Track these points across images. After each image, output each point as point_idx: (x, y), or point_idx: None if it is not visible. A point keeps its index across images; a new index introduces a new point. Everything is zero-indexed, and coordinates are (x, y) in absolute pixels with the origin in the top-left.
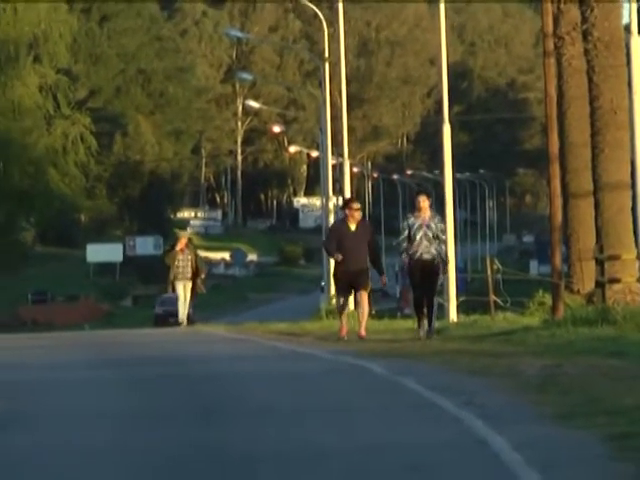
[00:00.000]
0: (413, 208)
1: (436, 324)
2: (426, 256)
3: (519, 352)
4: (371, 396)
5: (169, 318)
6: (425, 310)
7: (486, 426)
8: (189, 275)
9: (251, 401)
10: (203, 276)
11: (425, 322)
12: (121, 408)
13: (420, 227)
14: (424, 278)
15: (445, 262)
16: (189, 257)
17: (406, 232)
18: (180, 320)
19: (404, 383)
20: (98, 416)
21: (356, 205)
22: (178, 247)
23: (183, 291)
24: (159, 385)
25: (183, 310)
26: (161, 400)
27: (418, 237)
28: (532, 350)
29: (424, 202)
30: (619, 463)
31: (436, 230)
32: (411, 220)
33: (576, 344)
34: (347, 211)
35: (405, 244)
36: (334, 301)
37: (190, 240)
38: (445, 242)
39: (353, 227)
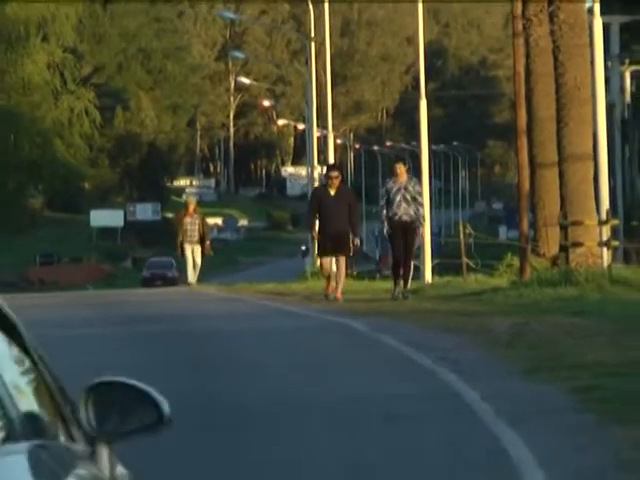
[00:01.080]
0: (392, 174)
1: (412, 285)
2: (405, 217)
3: (489, 311)
4: (352, 351)
5: (156, 281)
6: (402, 271)
7: (459, 379)
8: (196, 239)
9: (243, 356)
10: (208, 241)
11: (401, 283)
12: (121, 361)
13: (398, 190)
14: (403, 238)
15: (422, 222)
16: (197, 221)
17: (385, 197)
18: (189, 282)
19: (383, 339)
20: (98, 370)
21: (334, 173)
22: (188, 211)
23: (191, 254)
24: (157, 340)
25: (192, 272)
26: (159, 354)
27: (397, 199)
28: (501, 309)
29: (400, 168)
30: (582, 414)
31: (413, 192)
32: (389, 185)
33: (542, 304)
34: (329, 177)
35: (384, 210)
36: (318, 263)
37: (197, 206)
38: (422, 204)
39: (333, 192)
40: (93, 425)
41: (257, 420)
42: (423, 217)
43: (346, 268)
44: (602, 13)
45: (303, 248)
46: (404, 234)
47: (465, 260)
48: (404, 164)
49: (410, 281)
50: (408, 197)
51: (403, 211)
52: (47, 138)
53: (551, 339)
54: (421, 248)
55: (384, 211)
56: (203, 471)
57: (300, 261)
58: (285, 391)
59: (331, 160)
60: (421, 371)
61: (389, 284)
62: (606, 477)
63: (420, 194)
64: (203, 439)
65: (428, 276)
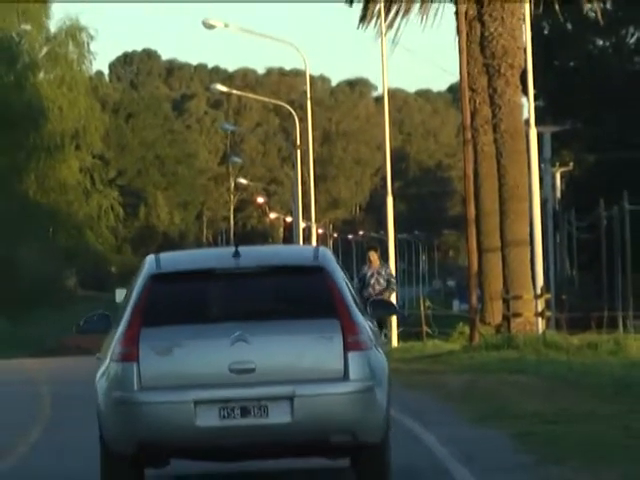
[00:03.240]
0: (366, 261)
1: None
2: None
3: (444, 370)
4: None
5: None
6: None
7: (420, 426)
8: None
9: None
10: None
11: None
12: None
13: (372, 275)
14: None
15: (392, 291)
16: None
17: (361, 281)
18: None
19: None
20: None
21: (373, 253)
22: None
23: None
24: None
25: None
26: None
27: (371, 282)
28: (454, 369)
29: (373, 256)
30: (523, 454)
31: (385, 275)
32: (365, 270)
33: (488, 364)
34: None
35: (360, 291)
36: None
37: None
38: (394, 283)
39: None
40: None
41: None
42: (394, 290)
43: None
44: (536, 124)
45: None
46: None
47: (425, 328)
48: (376, 251)
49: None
50: (381, 280)
51: (376, 292)
52: (80, 230)
53: (496, 393)
54: (388, 319)
55: (360, 292)
56: None
57: None
58: None
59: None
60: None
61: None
62: None
63: (392, 276)
64: None
65: (395, 341)
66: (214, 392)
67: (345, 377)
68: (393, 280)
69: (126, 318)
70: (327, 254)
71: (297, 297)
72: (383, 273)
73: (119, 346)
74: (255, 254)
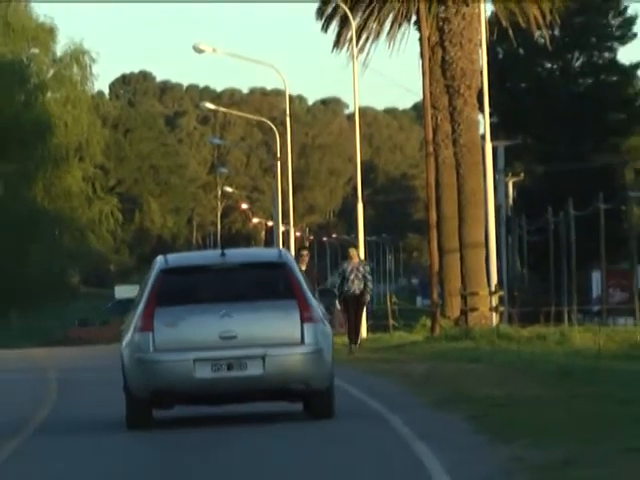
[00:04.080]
0: (347, 258)
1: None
2: (357, 291)
3: (409, 359)
4: None
5: None
6: (353, 333)
7: (384, 408)
8: None
9: None
10: None
11: (352, 341)
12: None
13: (352, 270)
14: (354, 307)
15: (369, 293)
16: None
17: (341, 275)
18: None
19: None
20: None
21: (305, 252)
22: None
23: None
24: None
25: None
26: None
27: (351, 277)
28: (417, 357)
29: (353, 252)
30: (477, 435)
31: (364, 272)
32: (345, 266)
33: (447, 353)
34: (300, 256)
35: (338, 283)
36: None
37: None
38: (370, 280)
39: (303, 266)
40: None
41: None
42: (371, 289)
43: None
44: (491, 139)
45: None
46: (355, 303)
47: (391, 321)
48: (356, 248)
49: (359, 340)
50: (360, 275)
51: (355, 286)
52: (83, 233)
53: (454, 380)
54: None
55: (338, 283)
56: None
57: None
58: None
59: (292, 249)
60: (357, 402)
61: (342, 339)
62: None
63: (369, 272)
64: None
65: (364, 333)
66: (208, 353)
67: (302, 342)
68: (369, 277)
69: (144, 301)
70: (288, 254)
71: (266, 284)
72: (361, 269)
73: (140, 321)
74: (236, 254)
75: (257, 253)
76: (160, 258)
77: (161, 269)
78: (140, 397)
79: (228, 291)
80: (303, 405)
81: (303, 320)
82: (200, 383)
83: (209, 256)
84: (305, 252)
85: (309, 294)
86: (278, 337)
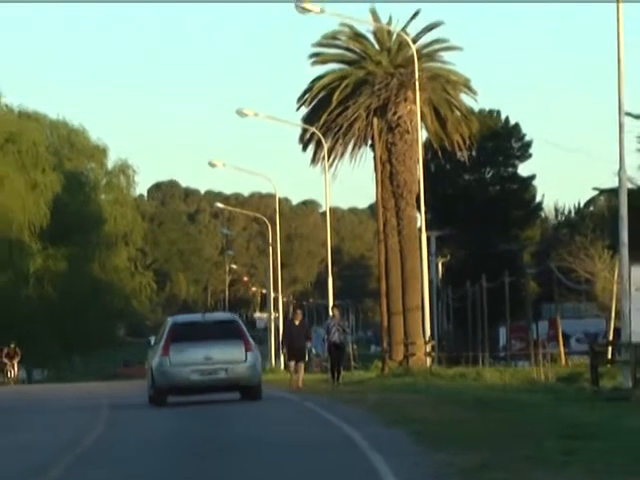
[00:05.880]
0: (331, 315)
1: (324, 377)
2: (337, 341)
3: (365, 390)
4: (285, 409)
5: None
6: (335, 371)
7: (348, 427)
8: None
9: (229, 413)
10: None
11: (336, 378)
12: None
13: (334, 325)
14: (335, 353)
15: (348, 342)
16: None
17: (326, 328)
18: None
19: (306, 404)
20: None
21: (299, 312)
22: None
23: None
24: (196, 410)
25: None
26: (196, 421)
27: (333, 331)
28: (372, 389)
29: (335, 311)
30: (417, 445)
31: (343, 326)
32: (329, 321)
33: (394, 386)
34: (294, 315)
35: (325, 335)
36: (285, 364)
37: None
38: (348, 332)
39: (297, 322)
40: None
41: (240, 441)
42: (349, 337)
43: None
44: (426, 230)
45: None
46: (336, 350)
47: (353, 363)
48: (337, 308)
49: (340, 376)
50: (340, 329)
51: (337, 338)
52: (128, 298)
53: (400, 406)
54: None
55: (325, 336)
56: None
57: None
58: (251, 431)
59: (280, 310)
60: (325, 421)
61: (320, 376)
62: None
63: (347, 327)
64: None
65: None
66: (197, 367)
67: (245, 361)
68: (348, 330)
69: (164, 340)
70: (236, 316)
71: (226, 331)
72: (341, 324)
73: (161, 350)
74: (210, 316)
75: (221, 315)
76: (170, 318)
77: (173, 322)
78: (162, 389)
79: (206, 335)
80: (240, 395)
81: (246, 350)
82: (193, 382)
83: (196, 317)
84: (299, 311)
85: (249, 336)
86: (233, 358)
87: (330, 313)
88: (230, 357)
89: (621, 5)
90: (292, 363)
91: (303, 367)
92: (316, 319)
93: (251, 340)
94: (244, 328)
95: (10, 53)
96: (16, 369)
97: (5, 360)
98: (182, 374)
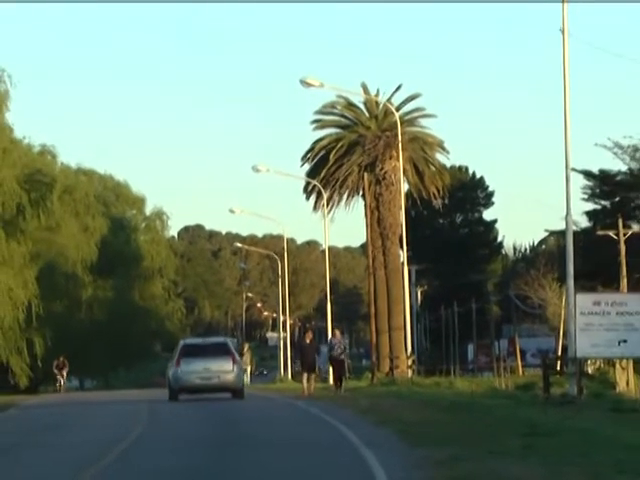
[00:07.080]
0: (333, 335)
1: (321, 385)
2: (340, 357)
3: (358, 396)
4: (292, 413)
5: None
6: (338, 381)
7: (344, 427)
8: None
9: (244, 415)
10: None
11: (340, 387)
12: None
13: (337, 344)
14: (338, 366)
15: (347, 358)
16: (247, 359)
17: (330, 347)
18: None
19: (309, 409)
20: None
21: (310, 332)
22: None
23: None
24: (215, 419)
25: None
26: (211, 420)
27: (335, 347)
28: (364, 395)
29: (336, 332)
30: (402, 442)
31: (343, 344)
32: (332, 341)
33: (382, 393)
34: (305, 334)
35: (327, 351)
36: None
37: (250, 347)
38: (347, 349)
39: (308, 341)
40: None
41: (239, 448)
42: (348, 355)
43: (315, 380)
44: (408, 264)
45: (265, 372)
46: (339, 364)
47: (347, 374)
48: (339, 330)
49: (343, 385)
50: (342, 347)
51: (338, 353)
52: (162, 321)
53: (387, 409)
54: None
55: (329, 353)
56: None
57: (269, 377)
58: (262, 430)
59: (288, 331)
60: (325, 423)
61: (321, 385)
62: (411, 471)
63: (347, 345)
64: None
65: (331, 381)
66: (199, 374)
67: (232, 371)
68: (347, 348)
69: (177, 356)
70: (228, 339)
71: (220, 350)
72: (342, 343)
73: (175, 363)
74: (209, 339)
75: (216, 339)
76: (182, 340)
77: (183, 344)
78: (175, 390)
79: (206, 352)
80: (232, 394)
81: (233, 363)
82: (196, 385)
83: (199, 340)
84: (310, 332)
85: (237, 354)
86: (223, 369)
87: (330, 335)
88: (221, 368)
89: (567, 81)
90: (305, 374)
91: (314, 378)
92: (317, 338)
93: (237, 356)
94: (232, 348)
95: (69, 120)
96: (64, 379)
97: (55, 371)
98: (189, 379)
